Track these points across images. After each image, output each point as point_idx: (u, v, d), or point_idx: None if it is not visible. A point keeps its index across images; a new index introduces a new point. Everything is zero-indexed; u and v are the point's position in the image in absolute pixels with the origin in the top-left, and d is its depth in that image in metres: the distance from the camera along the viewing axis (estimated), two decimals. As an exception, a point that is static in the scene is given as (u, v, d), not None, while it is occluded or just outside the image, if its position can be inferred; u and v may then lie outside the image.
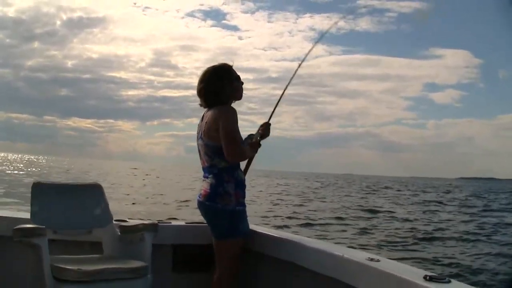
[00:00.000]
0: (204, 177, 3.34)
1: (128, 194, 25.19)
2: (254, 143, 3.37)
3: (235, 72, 3.38)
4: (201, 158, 3.37)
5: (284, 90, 3.66)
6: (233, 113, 3.24)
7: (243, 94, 3.43)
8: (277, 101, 3.61)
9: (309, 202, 26.82)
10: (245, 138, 3.41)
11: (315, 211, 21.20)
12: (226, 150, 3.16)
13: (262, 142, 3.42)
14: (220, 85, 3.29)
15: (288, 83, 3.68)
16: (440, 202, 32.26)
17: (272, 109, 3.57)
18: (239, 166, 3.36)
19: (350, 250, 3.10)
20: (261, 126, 3.47)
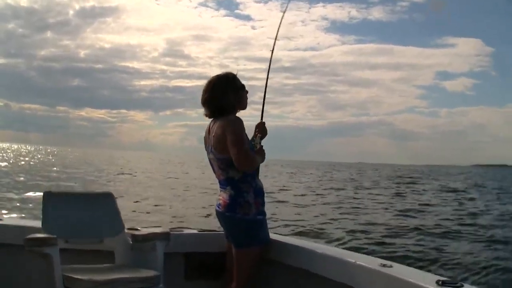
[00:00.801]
0: (222, 188, 3.30)
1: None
2: (259, 149, 3.33)
3: (239, 81, 3.33)
4: (214, 172, 3.32)
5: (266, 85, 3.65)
6: (240, 123, 3.19)
7: (248, 103, 3.39)
8: (263, 98, 3.61)
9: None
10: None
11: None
12: (236, 161, 3.12)
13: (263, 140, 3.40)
14: (224, 95, 3.24)
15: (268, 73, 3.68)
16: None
17: (261, 107, 3.57)
18: (256, 174, 3.31)
19: (363, 256, 3.11)
20: (257, 127, 3.44)
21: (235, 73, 3.35)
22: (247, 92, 3.36)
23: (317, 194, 25.53)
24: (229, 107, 3.26)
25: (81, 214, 3.41)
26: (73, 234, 3.30)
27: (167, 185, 28.08)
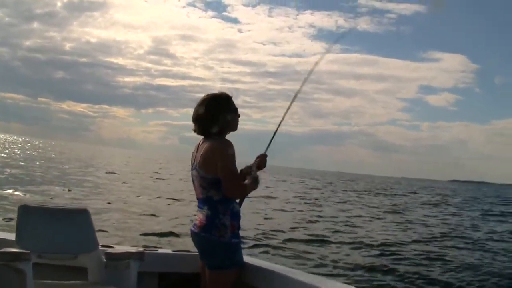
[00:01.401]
0: (199, 207, 3.31)
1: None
2: (253, 179, 3.32)
3: (233, 103, 3.35)
4: (195, 189, 3.34)
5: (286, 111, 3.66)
6: (231, 147, 3.21)
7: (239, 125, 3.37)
8: (276, 127, 3.59)
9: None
10: (242, 169, 3.39)
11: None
12: (227, 188, 3.17)
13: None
14: (217, 115, 3.25)
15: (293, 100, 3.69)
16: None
17: (270, 140, 3.55)
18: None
19: (342, 285, 3.11)
20: (259, 157, 3.47)
21: (231, 95, 3.36)
22: (239, 116, 3.37)
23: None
24: (219, 127, 3.26)
25: (56, 229, 3.38)
26: (47, 249, 3.26)
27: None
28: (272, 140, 3.55)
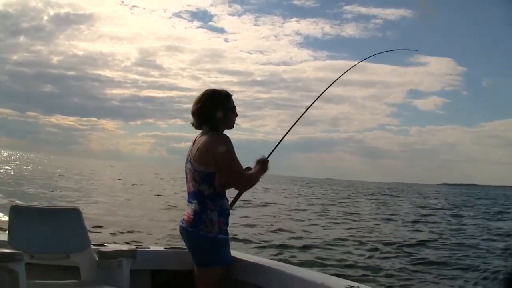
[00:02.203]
0: (189, 202, 3.34)
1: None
2: (261, 161, 3.43)
3: (233, 102, 3.40)
4: (187, 182, 3.37)
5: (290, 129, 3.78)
6: (228, 142, 3.26)
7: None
8: (278, 142, 3.71)
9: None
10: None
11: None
12: (234, 182, 3.28)
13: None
14: (214, 110, 3.30)
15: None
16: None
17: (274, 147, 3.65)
18: (225, 194, 3.36)
19: (331, 277, 3.14)
20: (259, 162, 3.48)
21: (231, 94, 3.41)
22: (237, 115, 3.41)
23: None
24: (216, 122, 3.31)
25: (48, 229, 3.39)
26: (39, 249, 3.27)
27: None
28: (277, 147, 3.64)
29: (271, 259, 4.46)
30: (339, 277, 3.21)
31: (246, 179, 3.35)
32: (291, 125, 3.82)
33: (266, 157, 3.53)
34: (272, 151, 3.61)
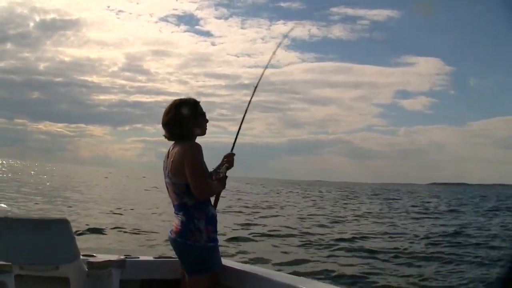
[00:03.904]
0: (175, 213, 3.37)
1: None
2: (221, 178, 3.45)
3: (201, 108, 3.44)
4: (170, 196, 3.40)
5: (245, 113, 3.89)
6: (198, 148, 3.29)
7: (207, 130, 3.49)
8: (238, 128, 3.82)
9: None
10: (211, 171, 3.48)
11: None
12: (193, 187, 3.22)
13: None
14: (185, 119, 3.33)
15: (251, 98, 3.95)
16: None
17: (234, 137, 3.75)
18: (210, 201, 3.40)
19: (321, 284, 3.17)
20: (226, 157, 3.58)
21: (199, 100, 3.45)
22: (207, 121, 3.46)
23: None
24: (188, 131, 3.35)
25: (37, 240, 3.37)
26: (28, 260, 3.27)
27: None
28: (236, 139, 3.74)
29: (261, 266, 4.49)
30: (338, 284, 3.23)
31: (207, 188, 3.30)
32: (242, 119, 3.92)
33: (231, 150, 3.66)
34: (234, 143, 3.72)
